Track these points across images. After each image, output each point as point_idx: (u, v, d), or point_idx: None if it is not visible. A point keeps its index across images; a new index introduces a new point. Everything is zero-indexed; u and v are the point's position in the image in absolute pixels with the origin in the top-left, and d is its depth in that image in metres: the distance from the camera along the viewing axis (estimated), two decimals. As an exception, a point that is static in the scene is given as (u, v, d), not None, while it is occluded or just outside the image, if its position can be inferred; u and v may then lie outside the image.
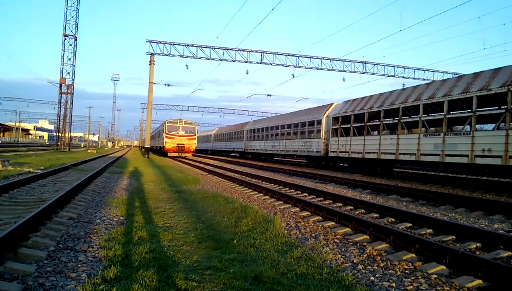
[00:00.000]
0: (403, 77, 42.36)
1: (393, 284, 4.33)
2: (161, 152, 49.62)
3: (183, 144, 43.39)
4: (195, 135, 45.35)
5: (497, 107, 15.64)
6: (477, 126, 15.74)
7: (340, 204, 10.06)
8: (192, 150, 44.44)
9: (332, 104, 26.87)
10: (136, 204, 9.21)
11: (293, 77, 42.58)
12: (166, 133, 43.60)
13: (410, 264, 5.04)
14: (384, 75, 41.70)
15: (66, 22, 45.62)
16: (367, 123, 21.76)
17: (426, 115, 18.41)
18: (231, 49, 37.56)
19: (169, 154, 43.45)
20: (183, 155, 43.49)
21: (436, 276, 4.61)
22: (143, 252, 4.92)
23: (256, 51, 38.29)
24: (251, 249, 5.46)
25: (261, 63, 38.54)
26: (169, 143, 43.13)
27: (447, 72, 42.38)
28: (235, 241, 5.90)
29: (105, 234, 6.00)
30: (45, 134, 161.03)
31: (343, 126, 23.96)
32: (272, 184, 14.91)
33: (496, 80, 14.19)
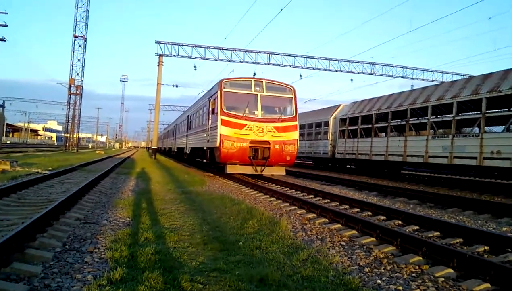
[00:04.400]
0: (412, 78, 42.06)
1: (400, 287, 4.30)
2: (193, 158, 26.72)
3: (267, 142, 15.73)
4: (295, 119, 16.65)
5: (506, 109, 15.51)
6: (486, 128, 15.61)
7: (346, 206, 10.01)
8: (288, 159, 16.10)
9: (339, 105, 26.81)
10: (143, 205, 9.24)
11: (301, 78, 42.22)
12: (221, 113, 15.86)
13: (417, 267, 5.00)
14: (392, 76, 41.44)
15: (76, 23, 45.92)
16: (375, 125, 21.67)
17: (434, 117, 18.31)
18: (239, 50, 37.57)
19: (230, 169, 15.86)
20: (267, 171, 16.15)
21: (443, 279, 4.57)
22: (149, 253, 4.92)
23: (264, 52, 38.27)
24: (257, 251, 5.44)
25: (268, 64, 38.49)
26: (229, 140, 15.45)
27: (456, 74, 42.04)
28: (241, 242, 5.89)
29: (112, 235, 6.01)
30: (54, 135, 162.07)
31: (350, 128, 23.88)
32: (278, 186, 14.88)
33: (506, 82, 14.07)
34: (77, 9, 45.64)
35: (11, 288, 3.68)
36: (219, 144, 15.16)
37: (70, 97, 48.24)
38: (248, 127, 15.36)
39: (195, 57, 37.46)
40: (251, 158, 15.22)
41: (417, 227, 7.50)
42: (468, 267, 4.77)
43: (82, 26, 46.20)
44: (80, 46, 46.57)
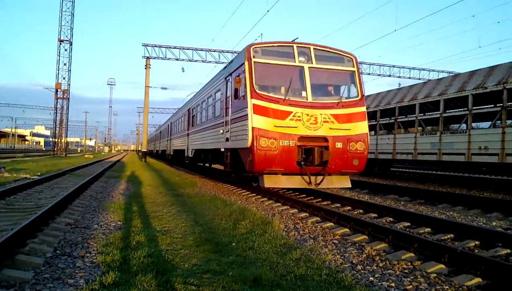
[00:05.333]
0: (399, 76, 42.43)
1: (393, 284, 4.33)
2: (198, 163, 22.05)
3: (324, 139, 10.18)
4: (361, 102, 11.00)
5: (492, 105, 15.71)
6: (473, 124, 15.81)
7: (338, 205, 10.05)
8: (356, 163, 10.32)
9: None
10: (134, 208, 9.18)
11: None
12: (253, 96, 10.13)
13: (409, 263, 5.04)
14: (379, 75, 41.76)
15: (61, 27, 45.48)
16: (364, 124, 21.77)
17: (422, 114, 18.48)
18: (227, 51, 37.55)
19: (269, 181, 9.99)
20: (326, 183, 10.27)
21: (435, 275, 4.60)
22: (141, 256, 4.90)
23: (252, 53, 38.26)
24: (250, 252, 5.44)
25: (257, 65, 38.47)
26: (267, 137, 9.73)
27: (442, 71, 42.48)
28: (234, 243, 5.88)
29: (103, 239, 5.96)
30: (42, 140, 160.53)
31: (340, 127, 23.97)
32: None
33: (491, 78, 14.25)
34: (61, 13, 45.22)
35: (2, 295, 3.64)
36: (252, 143, 9.71)
37: (57, 102, 47.82)
38: (294, 116, 9.99)
39: (183, 59, 37.37)
40: (301, 163, 9.81)
41: (409, 224, 7.56)
42: (460, 262, 4.81)
43: (67, 30, 45.82)
44: (66, 50, 46.17)
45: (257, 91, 10.06)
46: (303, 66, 10.52)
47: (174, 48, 37.12)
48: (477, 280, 4.41)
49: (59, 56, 45.98)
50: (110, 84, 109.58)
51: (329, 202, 10.52)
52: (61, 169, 19.86)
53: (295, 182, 10.07)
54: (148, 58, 36.51)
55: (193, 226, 7.25)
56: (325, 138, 10.06)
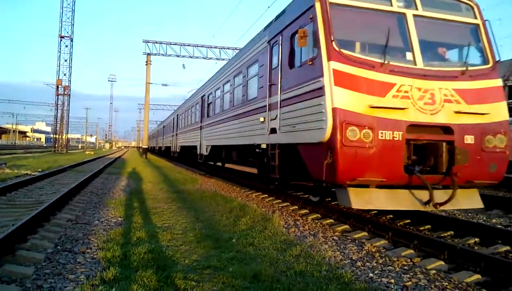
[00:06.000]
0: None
1: (392, 280, 4.34)
2: (213, 161, 18.89)
3: (446, 129, 6.22)
4: (494, 71, 6.91)
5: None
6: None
7: (338, 202, 10.05)
8: (494, 169, 6.37)
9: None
10: (135, 204, 9.20)
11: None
12: (331, 56, 6.11)
13: (408, 260, 5.05)
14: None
15: (61, 23, 45.44)
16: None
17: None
18: (228, 48, 37.56)
19: (358, 199, 5.99)
20: (452, 203, 6.09)
21: (434, 271, 4.62)
22: (141, 252, 4.91)
23: (253, 50, 38.22)
24: (250, 248, 5.46)
25: (257, 61, 38.42)
26: (357, 124, 5.81)
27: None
28: (234, 240, 5.90)
29: (104, 235, 5.99)
30: (42, 137, 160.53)
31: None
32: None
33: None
34: (62, 9, 45.20)
35: (3, 289, 3.66)
36: (333, 134, 5.97)
37: (58, 98, 47.80)
38: (399, 91, 6.18)
39: (184, 56, 37.37)
40: (413, 169, 6.06)
41: (409, 221, 7.56)
42: (459, 259, 4.83)
43: (68, 26, 45.78)
44: (66, 46, 46.13)
45: (339, 50, 6.23)
46: (404, 13, 6.74)
47: (175, 44, 37.15)
48: (477, 276, 4.42)
49: (59, 52, 45.97)
50: (111, 81, 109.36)
51: (330, 199, 10.53)
52: (62, 165, 19.90)
53: (403, 200, 6.27)
54: (148, 54, 36.53)
55: (194, 222, 7.27)
56: (448, 129, 6.32)
